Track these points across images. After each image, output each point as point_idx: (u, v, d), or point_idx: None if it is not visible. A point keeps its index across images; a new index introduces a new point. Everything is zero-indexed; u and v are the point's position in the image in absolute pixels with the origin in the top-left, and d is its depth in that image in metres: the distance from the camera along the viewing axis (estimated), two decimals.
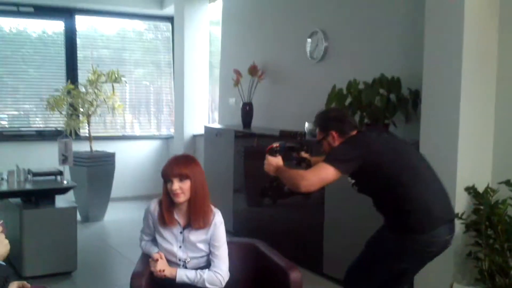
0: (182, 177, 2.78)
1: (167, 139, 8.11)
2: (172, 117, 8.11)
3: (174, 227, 2.85)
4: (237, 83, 6.05)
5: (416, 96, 4.26)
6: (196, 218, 2.81)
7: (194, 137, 7.32)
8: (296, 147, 3.10)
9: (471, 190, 3.73)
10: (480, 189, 3.70)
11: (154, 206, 2.91)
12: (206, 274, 2.79)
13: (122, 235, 6.11)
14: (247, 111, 6.08)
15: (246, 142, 5.95)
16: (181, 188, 2.77)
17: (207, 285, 2.78)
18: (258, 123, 6.14)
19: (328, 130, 2.89)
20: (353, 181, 2.85)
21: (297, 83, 5.74)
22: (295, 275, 2.76)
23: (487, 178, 3.82)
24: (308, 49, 5.50)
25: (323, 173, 2.65)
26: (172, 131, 8.09)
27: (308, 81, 5.58)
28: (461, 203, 3.75)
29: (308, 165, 3.01)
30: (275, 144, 2.96)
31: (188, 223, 2.85)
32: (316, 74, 5.46)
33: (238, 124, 6.35)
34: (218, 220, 2.86)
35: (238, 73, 6.07)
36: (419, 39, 4.19)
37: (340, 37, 5.21)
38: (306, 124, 4.99)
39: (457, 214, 3.69)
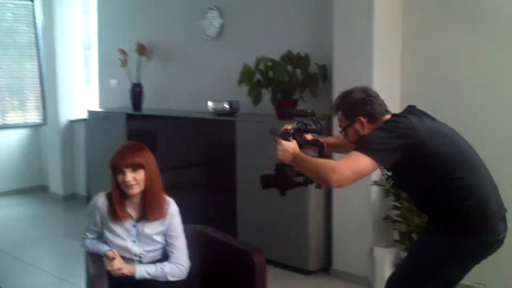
0: (135, 167, 2.59)
1: (37, 126, 7.48)
2: (40, 102, 7.47)
3: (126, 221, 2.66)
4: (125, 63, 5.74)
5: (324, 71, 4.38)
6: (152, 209, 2.65)
7: (72, 122, 6.83)
8: (309, 128, 2.52)
9: None
10: None
11: (102, 200, 2.68)
12: (167, 267, 2.65)
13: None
14: (137, 92, 5.81)
15: (139, 125, 5.71)
16: (135, 179, 2.59)
17: (170, 278, 2.64)
18: (150, 105, 5.90)
19: (355, 115, 2.38)
20: (389, 173, 2.43)
21: (192, 62, 5.60)
22: (259, 258, 2.72)
23: None
24: (202, 26, 5.37)
25: (359, 165, 2.16)
26: (41, 117, 7.46)
27: (205, 60, 5.47)
28: (377, 171, 3.96)
29: (321, 149, 2.50)
30: (289, 126, 2.48)
31: (142, 215, 2.67)
32: (212, 52, 5.37)
33: (125, 107, 6.05)
34: (173, 209, 2.72)
35: (124, 52, 5.75)
36: (324, 14, 4.31)
37: (237, 14, 5.16)
38: (209, 104, 4.92)
39: (376, 181, 3.92)
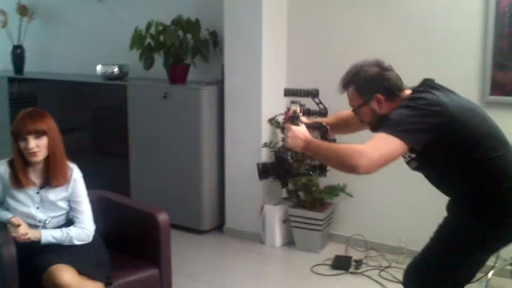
0: (38, 134, 2.59)
1: None
2: None
3: (30, 188, 2.66)
4: (5, 24, 5.46)
5: (215, 37, 4.51)
6: (55, 176, 2.66)
7: None
8: (311, 111, 2.27)
9: (273, 121, 4.19)
10: (281, 119, 4.18)
11: (3, 168, 2.65)
12: (73, 231, 2.69)
13: None
14: (18, 54, 5.56)
15: (22, 89, 5.50)
16: (38, 146, 2.59)
17: (75, 241, 2.69)
18: (33, 68, 5.68)
19: (371, 92, 2.12)
20: (412, 156, 2.12)
21: (80, 25, 5.46)
22: (163, 217, 2.85)
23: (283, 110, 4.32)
24: None
25: (389, 148, 1.92)
26: None
27: (93, 23, 5.35)
28: (266, 133, 4.22)
29: (325, 133, 2.19)
30: (297, 108, 2.20)
31: (45, 182, 2.68)
32: (102, 16, 5.27)
33: (6, 70, 5.76)
34: (77, 175, 2.75)
35: (3, 13, 5.47)
36: None
37: None
38: (98, 67, 4.88)
39: (265, 143, 4.16)
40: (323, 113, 2.24)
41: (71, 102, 5.12)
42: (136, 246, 2.93)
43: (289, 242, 4.24)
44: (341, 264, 3.78)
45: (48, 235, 2.63)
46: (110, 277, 2.67)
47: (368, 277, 3.64)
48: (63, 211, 2.74)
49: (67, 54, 5.58)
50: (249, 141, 4.25)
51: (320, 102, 2.24)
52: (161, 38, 4.44)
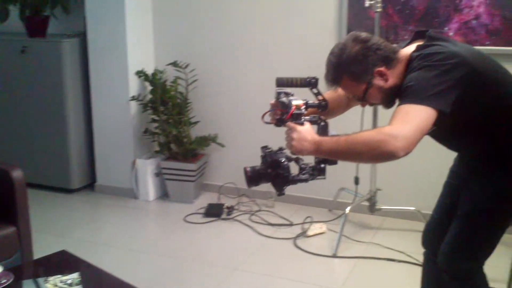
0: None
1: None
2: None
3: None
4: None
5: None
6: None
7: None
8: (311, 104, 1.88)
9: (141, 74, 4.10)
10: (149, 72, 4.10)
11: None
12: None
13: None
14: None
15: None
16: None
17: None
18: None
19: (370, 71, 1.84)
20: None
21: None
22: (17, 173, 2.72)
23: (152, 62, 4.25)
24: None
25: (422, 119, 1.66)
26: None
27: None
28: (134, 86, 4.13)
29: (325, 128, 1.85)
30: (299, 102, 1.82)
31: None
32: None
33: None
34: None
35: None
36: None
37: None
38: None
39: (133, 96, 4.08)
40: (323, 105, 1.88)
41: None
42: None
43: (163, 195, 4.24)
44: (214, 211, 3.85)
45: None
46: None
47: (239, 221, 3.74)
48: None
49: None
50: (117, 94, 4.13)
51: (319, 93, 1.87)
52: None
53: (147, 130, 4.18)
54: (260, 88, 3.91)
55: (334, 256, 3.24)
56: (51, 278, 2.06)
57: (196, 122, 4.14)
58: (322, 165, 1.81)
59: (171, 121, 4.04)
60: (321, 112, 1.89)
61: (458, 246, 1.96)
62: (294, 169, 1.80)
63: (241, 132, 4.11)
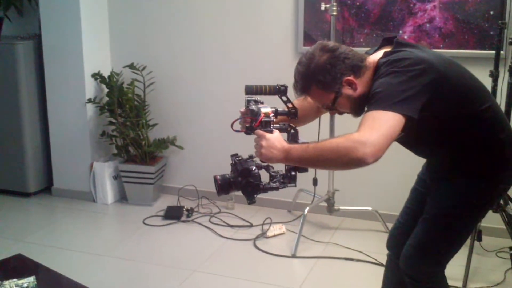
0: None
1: None
2: None
3: None
4: None
5: None
6: None
7: None
8: (280, 111, 1.90)
9: (97, 76, 4.06)
10: (105, 74, 4.06)
11: None
12: None
13: None
14: None
15: None
16: None
17: None
18: None
19: (338, 80, 1.83)
20: None
21: None
22: None
23: (109, 65, 4.22)
24: None
25: (389, 126, 1.64)
26: None
27: None
28: (91, 89, 4.08)
29: (295, 136, 1.87)
30: (268, 110, 1.82)
31: None
32: None
33: None
34: None
35: None
36: None
37: None
38: None
39: (90, 99, 4.03)
40: (293, 113, 1.88)
41: None
42: None
43: (122, 198, 4.20)
44: (173, 214, 3.83)
45: None
46: None
47: (199, 223, 3.73)
48: None
49: None
50: (73, 97, 4.08)
51: (289, 101, 1.88)
52: None
53: (104, 133, 4.13)
54: (220, 90, 3.95)
55: (294, 256, 3.28)
56: (6, 282, 2.02)
57: (154, 125, 4.12)
58: (293, 173, 1.79)
59: (128, 123, 4.01)
60: (291, 119, 1.89)
61: (420, 249, 1.98)
62: (264, 176, 1.80)
63: (200, 134, 4.11)
